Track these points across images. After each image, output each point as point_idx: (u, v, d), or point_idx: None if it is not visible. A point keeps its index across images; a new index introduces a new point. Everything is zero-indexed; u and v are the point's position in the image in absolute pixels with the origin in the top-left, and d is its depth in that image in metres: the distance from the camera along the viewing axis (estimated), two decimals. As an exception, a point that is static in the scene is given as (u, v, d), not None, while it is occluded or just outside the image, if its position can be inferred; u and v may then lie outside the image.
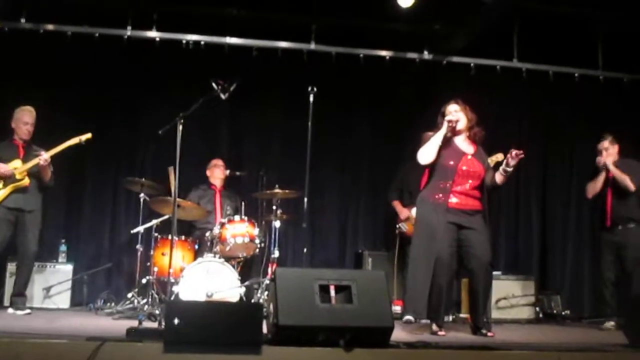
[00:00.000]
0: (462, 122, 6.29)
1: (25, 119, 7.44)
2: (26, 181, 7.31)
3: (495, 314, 8.39)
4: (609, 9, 8.52)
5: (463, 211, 6.15)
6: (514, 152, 6.16)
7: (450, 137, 6.29)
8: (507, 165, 6.19)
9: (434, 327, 6.06)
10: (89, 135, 7.47)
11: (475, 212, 6.20)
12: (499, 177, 6.26)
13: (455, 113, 6.29)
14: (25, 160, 7.33)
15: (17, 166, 7.28)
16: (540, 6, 8.58)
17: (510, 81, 9.44)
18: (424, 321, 7.09)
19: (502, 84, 9.45)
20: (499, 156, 7.51)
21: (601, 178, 8.02)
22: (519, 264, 9.58)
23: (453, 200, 6.14)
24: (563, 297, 9.17)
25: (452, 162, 6.18)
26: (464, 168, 6.18)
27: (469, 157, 6.26)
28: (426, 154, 6.21)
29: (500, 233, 9.70)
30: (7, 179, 7.22)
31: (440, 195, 6.16)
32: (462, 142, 6.34)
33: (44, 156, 7.25)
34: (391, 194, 8.56)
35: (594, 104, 9.72)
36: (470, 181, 6.19)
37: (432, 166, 6.26)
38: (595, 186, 8.06)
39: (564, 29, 8.92)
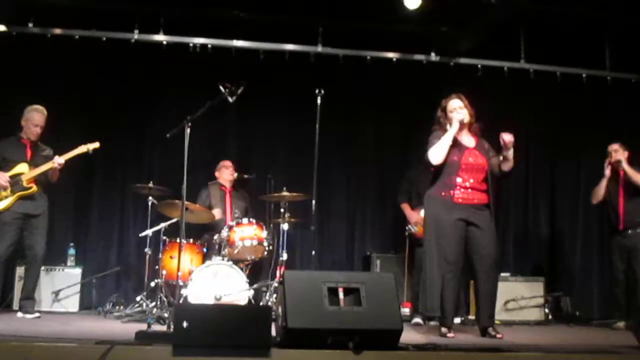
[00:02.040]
0: (466, 118, 6.28)
1: (35, 120, 7.36)
2: (33, 189, 7.24)
3: (504, 316, 8.36)
4: (616, 9, 8.49)
5: (470, 206, 6.13)
6: (502, 137, 6.15)
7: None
8: (505, 150, 6.20)
9: (443, 329, 6.03)
10: (96, 145, 7.44)
11: (482, 206, 6.18)
12: (505, 165, 6.27)
13: (461, 110, 6.26)
14: (32, 162, 7.30)
15: (24, 171, 7.22)
16: (547, 7, 8.55)
17: (518, 82, 9.42)
18: (432, 323, 7.12)
19: (509, 85, 9.42)
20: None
21: (604, 184, 8.09)
22: (527, 266, 9.56)
23: (459, 195, 6.14)
24: (572, 298, 9.14)
25: (455, 158, 6.17)
26: (468, 161, 6.17)
27: (471, 150, 6.25)
28: (437, 154, 6.17)
29: (509, 234, 9.70)
30: (14, 186, 7.16)
31: (447, 191, 6.16)
32: (464, 137, 6.33)
33: (59, 160, 7.20)
34: (400, 197, 8.53)
35: (602, 105, 9.69)
36: (474, 174, 6.17)
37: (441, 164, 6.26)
38: (598, 192, 8.10)
39: (571, 29, 8.90)
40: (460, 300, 7.33)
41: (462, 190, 6.15)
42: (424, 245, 6.43)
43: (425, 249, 6.30)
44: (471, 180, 6.16)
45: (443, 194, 6.17)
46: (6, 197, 7.15)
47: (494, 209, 6.25)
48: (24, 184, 7.18)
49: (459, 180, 6.15)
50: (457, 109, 6.26)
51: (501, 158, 6.26)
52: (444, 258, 6.03)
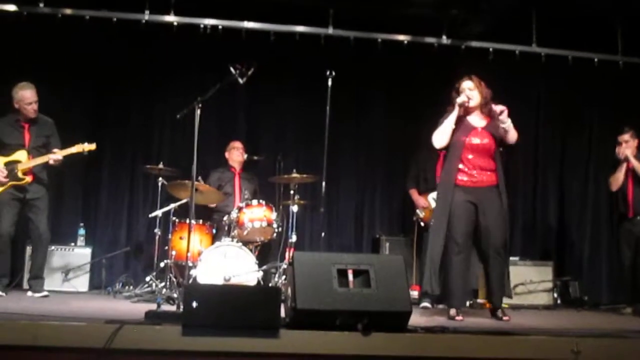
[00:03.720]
0: (476, 100, 6.25)
1: (28, 99, 7.17)
2: (27, 180, 7.14)
3: (512, 300, 8.34)
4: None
5: (478, 188, 6.14)
6: (493, 109, 6.14)
7: (464, 116, 6.26)
8: (501, 123, 6.16)
9: (452, 312, 6.04)
10: (92, 147, 7.32)
11: (490, 187, 6.17)
12: (507, 137, 6.20)
13: (469, 91, 6.24)
14: (30, 147, 7.22)
15: (21, 159, 7.14)
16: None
17: (529, 66, 9.37)
18: (441, 306, 7.14)
19: (520, 69, 9.38)
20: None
21: (622, 169, 8.02)
22: (536, 250, 9.56)
23: (466, 177, 6.15)
24: (580, 283, 9.12)
25: (462, 139, 6.17)
26: (473, 142, 6.16)
27: (479, 131, 6.22)
28: (439, 138, 6.21)
29: (517, 219, 9.65)
30: (9, 174, 7.07)
31: (454, 173, 6.15)
32: (474, 118, 6.30)
33: (56, 156, 7.14)
34: (408, 183, 8.52)
35: (613, 90, 9.64)
36: (481, 155, 6.16)
37: (447, 146, 6.25)
38: (617, 178, 8.05)
39: (584, 13, 8.84)
40: (469, 284, 7.34)
41: (469, 171, 6.15)
42: (430, 226, 6.44)
43: (431, 228, 6.34)
44: (478, 162, 6.15)
45: (451, 175, 6.17)
46: None
47: (503, 188, 6.24)
48: (19, 174, 7.10)
49: (465, 161, 6.16)
50: (466, 90, 6.24)
51: (501, 131, 6.21)
52: (451, 239, 6.05)
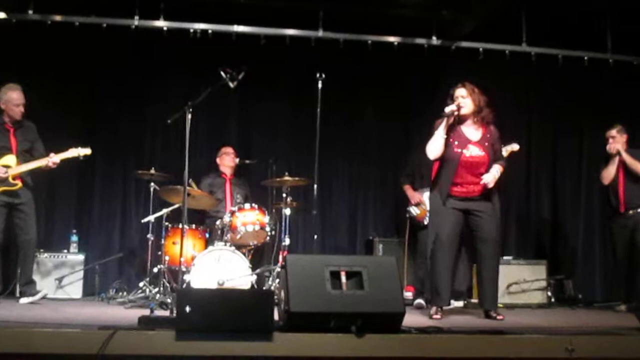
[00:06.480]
0: (468, 107, 6.14)
1: (16, 100, 7.11)
2: (18, 186, 7.08)
3: (506, 299, 8.34)
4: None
5: (467, 198, 6.12)
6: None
7: (458, 124, 6.19)
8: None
9: (432, 310, 6.11)
10: (87, 151, 7.34)
11: (482, 195, 6.14)
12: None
13: (462, 99, 6.13)
14: (18, 154, 7.14)
15: (10, 164, 7.06)
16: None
17: (520, 65, 9.39)
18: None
19: (511, 69, 9.39)
20: (515, 146, 7.44)
21: (614, 163, 8.03)
22: (530, 249, 9.56)
23: (457, 189, 6.11)
24: (574, 281, 9.14)
25: (455, 150, 6.10)
26: (467, 156, 6.09)
27: (473, 143, 6.15)
28: (433, 149, 6.15)
29: (511, 217, 9.66)
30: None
31: (445, 184, 6.12)
32: (468, 128, 6.21)
33: (54, 159, 7.10)
34: (403, 179, 8.47)
35: (604, 88, 9.67)
36: (473, 168, 6.11)
37: (441, 157, 6.19)
38: (609, 172, 8.07)
39: (573, 12, 8.85)
40: (460, 282, 7.36)
41: (462, 184, 6.12)
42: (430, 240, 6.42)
43: (428, 241, 6.33)
44: (472, 174, 6.11)
45: (442, 186, 6.15)
46: None
47: (496, 195, 6.24)
48: (10, 179, 7.03)
49: (459, 175, 6.10)
50: (459, 98, 6.15)
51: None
52: (437, 238, 6.10)
